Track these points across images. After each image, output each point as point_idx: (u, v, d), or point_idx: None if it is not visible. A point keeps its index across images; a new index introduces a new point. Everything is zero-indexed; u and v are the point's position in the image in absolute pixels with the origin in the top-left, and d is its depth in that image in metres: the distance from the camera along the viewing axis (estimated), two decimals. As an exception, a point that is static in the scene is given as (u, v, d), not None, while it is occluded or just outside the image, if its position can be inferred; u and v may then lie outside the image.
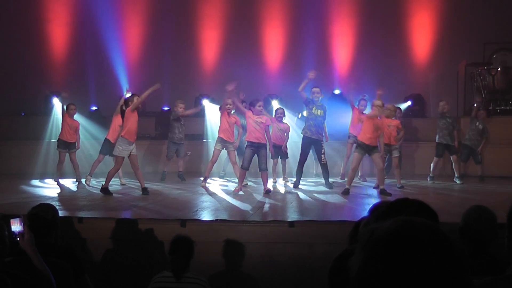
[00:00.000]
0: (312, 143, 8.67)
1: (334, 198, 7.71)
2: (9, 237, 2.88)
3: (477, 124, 9.92)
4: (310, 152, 9.06)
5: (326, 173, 8.68)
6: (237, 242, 5.14)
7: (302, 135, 8.83)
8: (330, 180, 8.82)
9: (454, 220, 3.74)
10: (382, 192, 7.68)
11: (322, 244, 5.04)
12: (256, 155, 8.03)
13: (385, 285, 1.01)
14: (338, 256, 2.12)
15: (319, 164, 9.09)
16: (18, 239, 2.89)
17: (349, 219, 5.57)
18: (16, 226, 2.90)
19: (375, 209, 2.13)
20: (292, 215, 6.17)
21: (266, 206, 6.83)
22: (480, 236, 3.13)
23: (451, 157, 9.48)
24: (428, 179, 9.42)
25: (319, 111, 8.63)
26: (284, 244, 5.24)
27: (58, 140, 9.74)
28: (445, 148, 9.41)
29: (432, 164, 9.49)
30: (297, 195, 7.98)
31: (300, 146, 8.85)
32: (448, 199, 7.58)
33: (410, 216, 1.12)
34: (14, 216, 2.97)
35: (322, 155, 8.69)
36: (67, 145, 9.66)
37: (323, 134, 8.85)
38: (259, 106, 8.13)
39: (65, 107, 9.79)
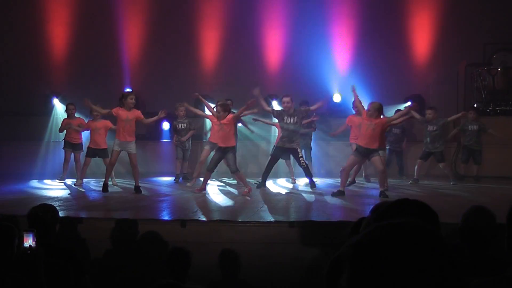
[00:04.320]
0: (286, 151, 8.70)
1: (334, 198, 7.71)
2: (20, 249, 2.90)
3: (471, 127, 9.96)
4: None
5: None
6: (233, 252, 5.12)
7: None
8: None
9: (454, 221, 3.74)
10: (381, 194, 7.64)
11: (322, 244, 5.04)
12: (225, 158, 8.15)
13: None
14: (334, 258, 2.12)
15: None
16: (28, 252, 2.90)
17: (349, 219, 5.58)
18: (28, 241, 2.92)
19: (375, 209, 2.13)
20: (292, 215, 6.18)
21: (266, 206, 6.83)
22: (479, 236, 3.13)
23: (439, 164, 9.55)
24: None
25: (291, 119, 8.59)
26: (284, 244, 5.24)
27: (64, 140, 9.79)
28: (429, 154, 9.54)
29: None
30: (297, 195, 7.98)
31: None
32: (448, 199, 7.58)
33: (410, 216, 1.11)
34: (28, 230, 2.99)
35: (301, 159, 8.64)
36: (72, 145, 9.70)
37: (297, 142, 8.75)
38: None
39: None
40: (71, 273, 3.27)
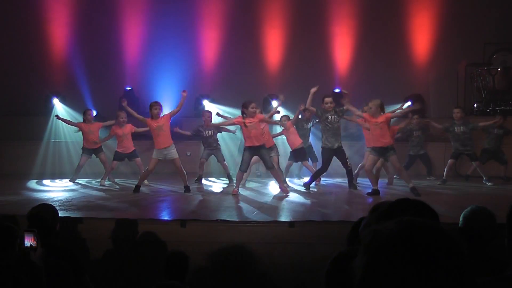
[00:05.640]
0: (334, 152, 8.48)
1: (334, 198, 7.72)
2: (21, 249, 2.90)
3: (497, 130, 9.87)
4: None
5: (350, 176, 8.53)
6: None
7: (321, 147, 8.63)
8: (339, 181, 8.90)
9: (454, 221, 3.74)
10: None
11: (322, 244, 5.04)
12: (257, 156, 8.09)
13: (391, 287, 1.01)
14: (333, 259, 2.12)
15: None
16: (29, 252, 2.90)
17: (349, 219, 5.57)
18: (29, 240, 2.92)
19: (375, 209, 2.13)
20: (292, 215, 6.18)
21: (266, 206, 6.83)
22: (479, 236, 3.12)
23: (472, 162, 9.49)
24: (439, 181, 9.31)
25: (334, 117, 8.45)
26: (284, 244, 5.24)
27: (83, 146, 9.83)
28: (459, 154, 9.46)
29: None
30: (298, 195, 7.98)
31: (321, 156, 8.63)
32: (448, 199, 7.58)
33: (411, 216, 1.12)
34: (29, 230, 2.99)
35: (347, 160, 8.47)
36: (90, 151, 9.74)
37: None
38: (252, 108, 7.95)
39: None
40: (71, 273, 3.27)
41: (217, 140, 9.89)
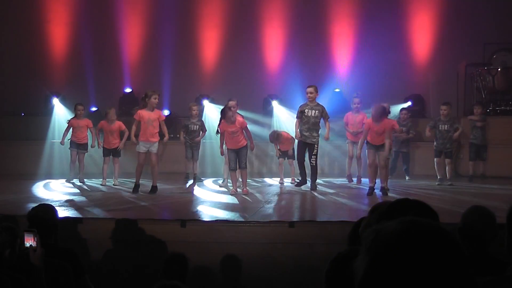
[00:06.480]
0: (305, 145, 8.43)
1: (334, 198, 7.72)
2: (21, 249, 2.90)
3: (477, 123, 10.01)
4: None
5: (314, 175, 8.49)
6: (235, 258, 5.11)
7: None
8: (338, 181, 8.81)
9: (453, 221, 3.74)
10: (381, 190, 7.75)
11: (322, 244, 5.04)
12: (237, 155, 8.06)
13: (392, 287, 1.01)
14: (333, 259, 2.12)
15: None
16: (29, 252, 2.90)
17: (349, 219, 5.58)
18: (29, 241, 2.92)
19: (375, 209, 2.13)
20: (292, 215, 6.18)
21: (266, 206, 6.83)
22: (479, 237, 3.12)
23: (445, 159, 9.51)
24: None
25: (312, 112, 8.37)
26: (284, 244, 5.24)
27: (70, 141, 9.80)
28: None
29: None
30: (298, 195, 7.99)
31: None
32: (448, 199, 7.58)
33: (411, 216, 1.11)
34: (28, 230, 2.99)
35: (313, 157, 8.40)
36: (77, 145, 9.71)
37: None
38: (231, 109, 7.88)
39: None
40: (71, 273, 3.27)
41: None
